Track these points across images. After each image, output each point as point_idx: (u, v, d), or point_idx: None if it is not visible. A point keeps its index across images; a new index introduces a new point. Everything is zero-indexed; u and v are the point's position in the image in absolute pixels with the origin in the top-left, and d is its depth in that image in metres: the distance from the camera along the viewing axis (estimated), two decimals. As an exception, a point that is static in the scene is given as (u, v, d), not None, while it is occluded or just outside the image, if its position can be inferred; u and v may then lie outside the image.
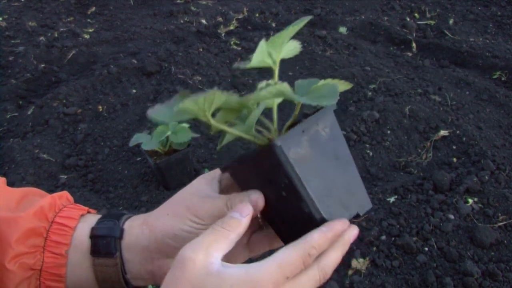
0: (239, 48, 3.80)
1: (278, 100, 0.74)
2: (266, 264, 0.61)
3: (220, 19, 4.46)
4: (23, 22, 4.50)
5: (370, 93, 3.14)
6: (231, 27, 4.32)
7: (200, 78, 3.39)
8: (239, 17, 4.50)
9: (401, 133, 2.77)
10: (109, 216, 0.80)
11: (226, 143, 0.76)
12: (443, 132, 2.70)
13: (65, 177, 2.62)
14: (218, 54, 3.75)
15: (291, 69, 3.52)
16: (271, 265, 0.61)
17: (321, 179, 0.69)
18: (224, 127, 0.69)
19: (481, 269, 1.88)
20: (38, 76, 3.64)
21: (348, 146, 0.73)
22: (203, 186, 0.76)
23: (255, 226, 0.80)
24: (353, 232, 0.69)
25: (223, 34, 4.16)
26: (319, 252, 0.65)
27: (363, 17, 4.36)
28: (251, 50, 3.73)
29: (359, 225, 2.14)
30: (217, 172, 0.79)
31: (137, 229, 0.78)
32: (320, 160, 0.69)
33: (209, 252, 0.62)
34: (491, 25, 4.15)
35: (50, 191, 0.87)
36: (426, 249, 2.00)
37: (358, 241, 2.07)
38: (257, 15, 4.58)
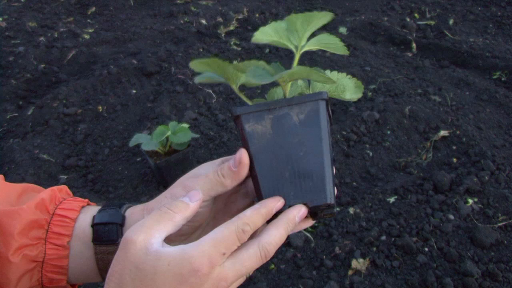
0: (239, 49, 3.80)
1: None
2: (201, 241, 0.63)
3: (220, 19, 4.46)
4: (23, 22, 4.50)
5: (370, 94, 3.14)
6: (231, 28, 4.32)
7: (200, 79, 3.39)
8: (239, 17, 4.50)
9: (401, 133, 2.77)
10: (110, 205, 0.82)
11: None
12: (443, 133, 2.70)
13: (65, 177, 2.62)
14: (218, 55, 3.75)
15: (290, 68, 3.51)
16: (205, 242, 0.63)
17: (274, 160, 0.71)
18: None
19: (481, 269, 1.88)
20: (38, 76, 3.64)
21: (330, 140, 0.73)
22: (201, 169, 0.78)
23: None
24: (298, 211, 0.70)
25: (223, 35, 4.16)
26: (254, 229, 0.66)
27: (363, 17, 4.36)
28: (251, 50, 3.73)
29: (359, 225, 2.14)
30: (218, 160, 0.81)
31: (138, 214, 0.79)
32: (277, 141, 0.71)
33: (150, 233, 0.64)
34: (491, 26, 4.15)
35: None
36: (426, 249, 2.00)
37: (358, 241, 2.07)
38: (257, 15, 4.58)
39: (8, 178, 2.55)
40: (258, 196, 0.73)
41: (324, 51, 3.68)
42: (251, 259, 0.65)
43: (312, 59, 3.57)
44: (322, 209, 0.73)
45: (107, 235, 0.77)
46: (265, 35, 0.76)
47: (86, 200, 0.85)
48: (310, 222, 0.77)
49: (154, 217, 0.66)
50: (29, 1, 5.12)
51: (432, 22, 4.20)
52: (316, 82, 0.79)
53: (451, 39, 3.83)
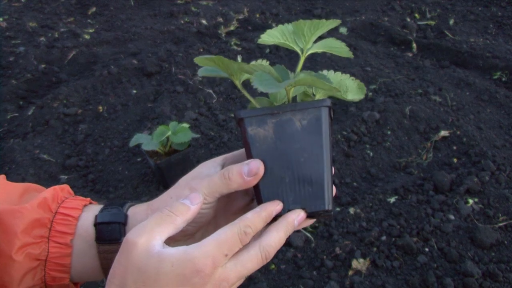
0: (240, 49, 3.80)
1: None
2: (204, 242, 0.64)
3: (220, 19, 4.46)
4: (23, 22, 4.50)
5: (370, 94, 3.14)
6: (232, 28, 4.32)
7: (200, 79, 3.39)
8: (240, 17, 4.50)
9: (402, 133, 2.77)
10: (113, 204, 0.82)
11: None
12: (443, 133, 2.70)
13: (66, 177, 2.62)
14: (218, 55, 3.74)
15: (291, 69, 3.52)
16: (209, 243, 0.64)
17: (274, 164, 0.73)
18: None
19: (482, 269, 1.88)
20: (39, 76, 3.64)
21: (330, 147, 0.74)
22: (204, 169, 0.79)
23: None
24: (297, 215, 0.72)
25: (223, 35, 4.16)
26: (255, 231, 0.68)
27: (363, 17, 4.36)
28: (252, 51, 3.73)
29: (360, 225, 2.14)
30: (219, 158, 0.82)
31: (142, 214, 0.80)
32: (279, 146, 0.73)
33: (152, 235, 0.65)
34: (491, 26, 4.15)
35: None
36: (427, 249, 2.00)
37: (359, 241, 2.07)
38: (257, 15, 4.58)
39: (8, 178, 2.53)
40: (258, 199, 0.74)
41: (325, 51, 3.68)
42: (252, 260, 0.66)
43: (312, 59, 3.57)
44: (320, 213, 0.74)
45: (110, 235, 0.78)
46: (271, 37, 0.78)
47: (88, 199, 0.86)
48: (309, 222, 0.78)
49: (155, 219, 0.67)
50: (30, 1, 5.13)
51: (433, 22, 4.20)
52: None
53: (452, 39, 3.83)
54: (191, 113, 2.98)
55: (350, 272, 1.95)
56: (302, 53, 0.80)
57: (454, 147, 2.63)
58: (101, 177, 2.65)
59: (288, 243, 2.11)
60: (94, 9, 4.94)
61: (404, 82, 3.26)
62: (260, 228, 0.69)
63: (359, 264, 1.96)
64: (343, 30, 4.08)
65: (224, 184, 0.73)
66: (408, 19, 4.29)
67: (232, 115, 3.05)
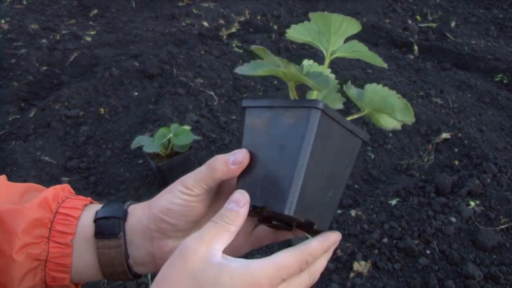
0: (241, 51, 3.81)
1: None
2: (266, 263, 0.63)
3: (222, 21, 4.47)
4: (25, 24, 4.51)
5: (371, 96, 3.14)
6: (233, 30, 4.32)
7: (202, 81, 3.39)
8: (241, 19, 4.51)
9: (403, 135, 2.77)
10: (113, 201, 0.83)
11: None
12: (445, 135, 2.70)
13: (67, 179, 2.62)
14: (220, 57, 3.75)
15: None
16: (270, 265, 0.63)
17: (256, 157, 0.72)
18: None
19: (483, 272, 1.88)
20: (40, 78, 3.64)
21: (319, 154, 0.69)
22: (202, 167, 0.78)
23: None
24: (335, 240, 0.74)
25: (225, 37, 4.16)
26: (315, 260, 0.69)
27: (364, 19, 4.36)
28: (253, 53, 3.73)
29: (361, 227, 2.14)
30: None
31: (139, 210, 0.80)
32: (265, 141, 0.71)
33: (211, 245, 0.64)
34: (492, 28, 4.14)
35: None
36: (428, 252, 1.99)
37: (360, 243, 2.07)
38: (258, 17, 4.58)
39: (9, 180, 2.55)
40: (236, 185, 0.75)
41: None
42: (301, 285, 0.68)
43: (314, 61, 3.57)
44: (284, 217, 0.70)
45: (109, 229, 0.78)
46: (298, 33, 0.77)
47: (89, 198, 0.86)
48: (288, 233, 0.79)
49: (212, 230, 0.66)
50: (31, 4, 5.14)
51: (434, 25, 4.20)
52: (350, 89, 0.78)
53: (453, 42, 3.83)
54: (192, 115, 2.98)
55: (352, 274, 1.94)
56: (327, 53, 0.78)
57: (456, 149, 2.63)
58: (102, 179, 2.66)
59: (289, 245, 2.11)
60: (95, 11, 4.95)
61: (405, 84, 3.26)
62: (319, 257, 0.70)
63: (360, 266, 1.96)
64: (344, 32, 4.08)
65: (209, 173, 0.73)
66: (410, 21, 4.29)
67: (234, 117, 3.05)
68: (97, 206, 0.83)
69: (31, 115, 3.12)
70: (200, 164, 2.52)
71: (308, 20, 0.78)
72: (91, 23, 4.70)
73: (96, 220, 0.79)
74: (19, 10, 4.95)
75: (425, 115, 2.84)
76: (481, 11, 4.48)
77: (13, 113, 3.23)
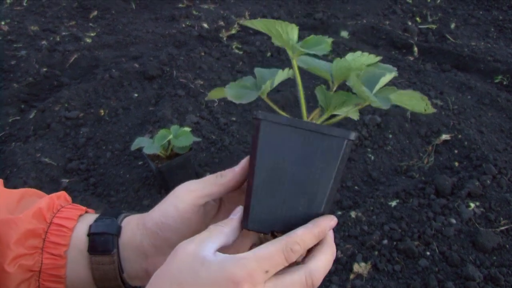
0: (241, 52, 3.81)
1: None
2: (244, 254, 0.62)
3: (221, 23, 4.47)
4: (25, 26, 4.51)
5: (371, 97, 3.14)
6: (233, 31, 4.32)
7: (202, 82, 3.40)
8: (241, 21, 4.51)
9: (403, 137, 2.77)
10: (108, 214, 0.81)
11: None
12: (444, 136, 2.70)
13: (67, 181, 2.62)
14: (219, 58, 3.75)
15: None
16: (248, 257, 0.61)
17: (274, 182, 0.69)
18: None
19: (483, 273, 1.88)
20: (40, 80, 3.64)
21: (336, 181, 0.69)
22: (198, 181, 0.77)
23: None
24: (332, 232, 0.70)
25: (224, 38, 4.16)
26: (304, 248, 0.64)
27: (364, 21, 4.36)
28: (253, 54, 3.74)
29: (361, 229, 2.14)
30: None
31: (133, 225, 0.79)
32: (285, 161, 0.69)
33: (203, 243, 0.64)
34: (492, 29, 4.15)
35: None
36: (428, 253, 1.99)
37: (360, 245, 2.07)
38: (258, 19, 4.58)
39: (10, 182, 2.56)
40: (245, 207, 0.71)
41: (326, 55, 3.68)
42: (295, 284, 0.62)
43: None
44: None
45: (102, 246, 0.76)
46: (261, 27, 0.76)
47: (84, 208, 0.84)
48: None
49: (205, 232, 0.66)
50: (31, 5, 5.14)
51: (434, 26, 4.20)
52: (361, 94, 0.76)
53: (453, 43, 3.83)
54: (192, 117, 2.98)
55: (352, 276, 1.94)
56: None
57: (456, 151, 2.63)
58: (102, 180, 2.66)
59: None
60: (95, 12, 4.95)
61: (405, 85, 3.26)
62: (310, 245, 0.66)
63: (360, 268, 1.96)
64: (344, 34, 4.09)
65: (214, 180, 0.73)
66: (410, 23, 4.29)
67: (234, 118, 3.05)
68: (92, 217, 0.82)
69: (31, 117, 3.12)
70: (200, 166, 2.52)
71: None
72: (91, 24, 4.70)
73: (89, 235, 0.78)
74: (19, 12, 4.95)
75: (425, 116, 2.84)
76: (481, 12, 4.48)
77: (13, 115, 3.23)
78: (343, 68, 0.74)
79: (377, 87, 0.72)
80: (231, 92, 0.76)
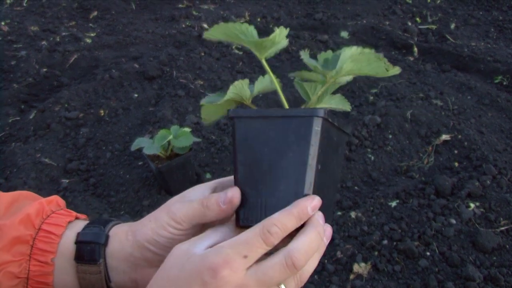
0: (241, 53, 3.81)
1: None
2: (223, 243, 0.62)
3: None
4: (25, 26, 4.51)
5: (371, 98, 3.14)
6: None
7: (201, 83, 3.40)
8: (241, 21, 4.51)
9: (403, 137, 2.77)
10: (96, 222, 0.80)
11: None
12: (444, 137, 2.70)
13: (67, 181, 2.62)
14: (219, 59, 3.75)
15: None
16: (224, 243, 0.61)
17: (253, 173, 0.69)
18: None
19: (483, 273, 1.88)
20: (40, 80, 3.64)
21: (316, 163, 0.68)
22: (192, 193, 0.76)
23: None
24: (320, 213, 0.67)
25: (224, 39, 4.16)
26: (283, 230, 0.62)
27: (364, 21, 4.36)
28: (253, 54, 3.73)
29: (361, 229, 2.14)
30: (213, 182, 0.79)
31: (122, 236, 0.77)
32: (262, 152, 0.69)
33: (195, 242, 0.64)
34: (492, 30, 4.15)
35: (52, 195, 0.86)
36: (428, 253, 1.99)
37: (360, 245, 2.07)
38: (258, 19, 4.58)
39: (10, 182, 2.56)
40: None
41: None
42: (274, 267, 0.60)
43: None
44: None
45: (89, 255, 0.75)
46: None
47: (75, 214, 0.83)
48: None
49: (201, 234, 0.67)
50: (31, 6, 5.14)
51: (434, 26, 4.21)
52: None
53: (453, 43, 3.84)
54: (192, 117, 2.98)
55: (352, 276, 1.94)
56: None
57: (456, 151, 2.63)
58: (102, 181, 2.66)
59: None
60: (95, 13, 4.96)
61: (405, 86, 3.26)
62: (291, 227, 0.63)
63: (360, 268, 1.96)
64: (344, 34, 4.09)
65: (202, 212, 0.71)
66: (409, 23, 4.29)
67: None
68: (81, 223, 0.81)
69: (31, 117, 3.12)
70: (200, 166, 2.51)
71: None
72: (91, 25, 4.70)
73: (77, 243, 0.77)
74: (19, 12, 4.95)
75: (425, 117, 2.84)
76: (481, 13, 4.48)
77: (13, 115, 3.23)
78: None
79: (340, 63, 0.71)
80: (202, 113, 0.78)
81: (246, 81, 0.76)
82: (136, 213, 2.39)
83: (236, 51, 3.82)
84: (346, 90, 3.23)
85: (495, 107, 3.02)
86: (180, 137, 2.34)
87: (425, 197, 2.30)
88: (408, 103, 2.99)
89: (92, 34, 4.42)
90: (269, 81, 0.79)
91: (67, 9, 5.04)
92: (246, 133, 0.70)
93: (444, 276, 1.90)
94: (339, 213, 2.28)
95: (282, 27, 0.73)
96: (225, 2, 5.13)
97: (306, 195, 0.66)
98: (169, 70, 3.56)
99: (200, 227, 0.75)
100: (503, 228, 2.07)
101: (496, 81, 3.34)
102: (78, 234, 0.77)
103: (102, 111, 3.21)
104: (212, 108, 0.78)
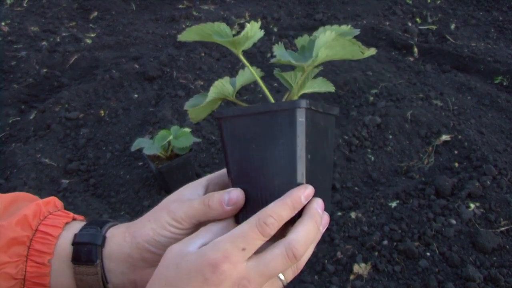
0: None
1: None
2: (220, 238, 0.62)
3: (222, 24, 4.47)
4: (25, 27, 4.52)
5: (371, 98, 3.14)
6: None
7: (202, 83, 3.40)
8: (241, 22, 4.51)
9: (403, 138, 2.77)
10: (93, 223, 0.80)
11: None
12: (444, 137, 2.70)
13: (67, 181, 2.62)
14: (219, 59, 3.75)
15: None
16: (222, 238, 0.62)
17: (245, 169, 0.70)
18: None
19: (483, 274, 1.88)
20: (40, 81, 3.64)
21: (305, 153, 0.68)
22: (187, 191, 0.76)
23: None
24: (316, 203, 0.67)
25: (225, 39, 4.16)
26: (279, 221, 0.63)
27: (364, 22, 4.36)
28: (253, 55, 3.74)
29: (361, 230, 2.14)
30: (204, 179, 0.80)
31: (120, 237, 0.77)
32: (252, 150, 0.69)
33: (188, 241, 0.65)
34: (492, 30, 4.15)
35: (52, 196, 0.86)
36: (428, 254, 1.99)
37: (360, 246, 2.07)
38: (259, 20, 4.57)
39: (10, 183, 2.56)
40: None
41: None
42: (276, 259, 0.61)
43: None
44: None
45: (86, 256, 0.75)
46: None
47: (72, 215, 0.83)
48: None
49: (194, 233, 0.67)
50: (32, 6, 5.14)
51: (434, 27, 4.21)
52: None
53: (453, 44, 3.84)
54: (192, 118, 2.98)
55: (352, 277, 1.94)
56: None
57: (456, 152, 2.63)
58: (102, 181, 2.66)
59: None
60: (95, 13, 4.96)
61: (405, 86, 3.26)
62: (286, 217, 0.63)
63: (360, 268, 1.96)
64: (344, 34, 4.08)
65: (204, 211, 0.71)
66: (410, 24, 4.29)
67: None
68: (78, 225, 0.80)
69: (31, 118, 3.12)
70: (200, 167, 2.51)
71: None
72: (91, 25, 4.70)
73: (74, 244, 0.76)
74: (19, 13, 4.95)
75: (425, 117, 2.84)
76: (481, 13, 4.48)
77: (13, 116, 3.23)
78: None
79: (315, 51, 0.71)
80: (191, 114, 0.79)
81: (226, 78, 0.77)
82: (136, 214, 2.39)
83: (236, 52, 3.82)
84: (346, 91, 3.23)
85: (495, 107, 3.02)
86: (180, 137, 2.34)
87: (425, 198, 2.30)
88: (408, 104, 2.99)
89: (92, 35, 4.43)
90: (249, 74, 0.80)
91: (67, 10, 5.04)
92: (233, 132, 0.71)
93: (444, 277, 1.90)
94: (339, 213, 2.28)
95: (253, 22, 0.74)
96: (225, 3, 5.13)
97: (299, 184, 0.66)
98: (169, 70, 3.57)
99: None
100: (503, 229, 2.07)
101: (496, 81, 3.34)
102: (75, 235, 0.77)
103: (102, 112, 3.21)
104: (197, 109, 0.79)
